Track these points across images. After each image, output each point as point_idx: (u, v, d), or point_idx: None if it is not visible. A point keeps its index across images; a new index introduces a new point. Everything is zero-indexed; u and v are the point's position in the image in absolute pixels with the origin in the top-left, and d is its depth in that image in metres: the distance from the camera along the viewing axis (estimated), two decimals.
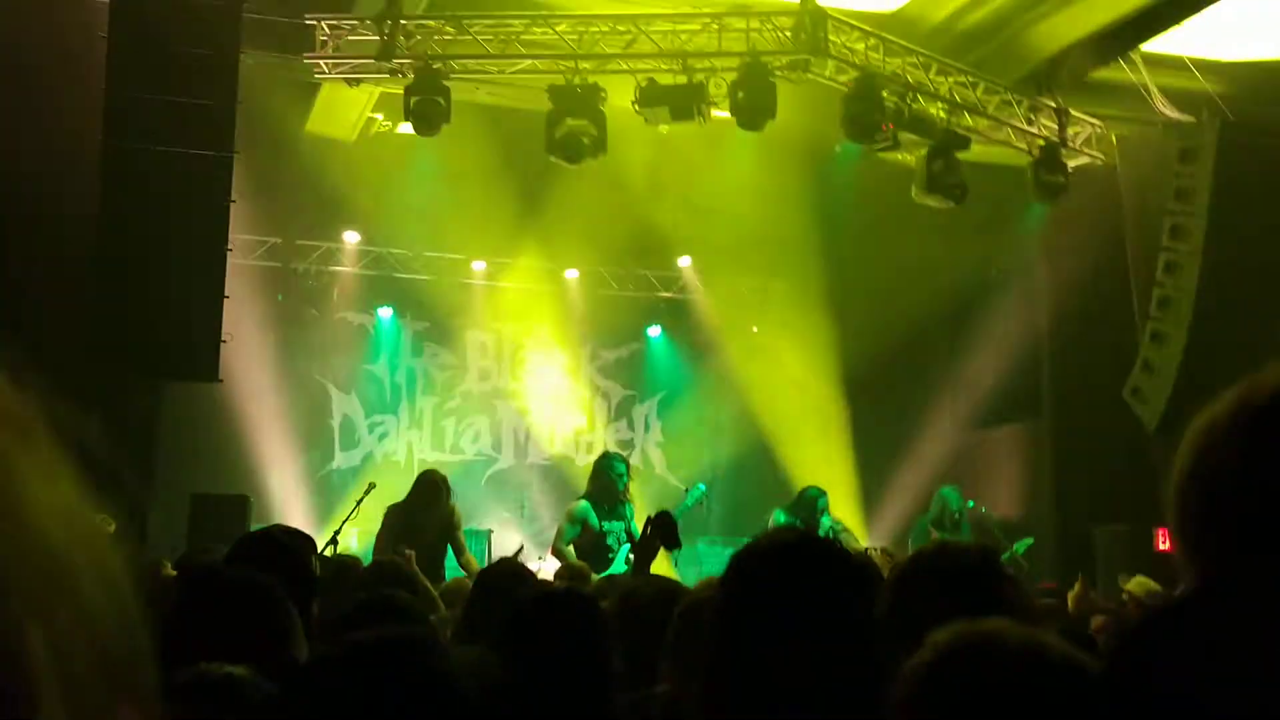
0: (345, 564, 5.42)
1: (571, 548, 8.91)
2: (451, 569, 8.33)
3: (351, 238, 12.74)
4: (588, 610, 2.90)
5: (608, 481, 8.99)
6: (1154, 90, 10.47)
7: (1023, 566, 9.88)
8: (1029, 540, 10.48)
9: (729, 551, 3.62)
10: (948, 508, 10.49)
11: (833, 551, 2.10)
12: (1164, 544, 10.62)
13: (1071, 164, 11.16)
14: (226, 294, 8.94)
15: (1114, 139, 11.51)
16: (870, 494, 13.15)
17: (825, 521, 9.69)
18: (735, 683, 1.96)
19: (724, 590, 2.06)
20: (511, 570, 4.41)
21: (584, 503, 9.04)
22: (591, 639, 2.80)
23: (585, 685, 2.73)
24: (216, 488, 10.32)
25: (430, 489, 8.93)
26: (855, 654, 1.94)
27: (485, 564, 7.56)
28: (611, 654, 2.85)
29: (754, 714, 1.94)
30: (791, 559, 2.03)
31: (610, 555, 8.95)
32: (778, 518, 9.80)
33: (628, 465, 9.31)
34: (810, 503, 9.80)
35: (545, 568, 9.10)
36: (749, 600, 2.01)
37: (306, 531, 4.03)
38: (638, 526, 8.91)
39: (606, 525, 8.90)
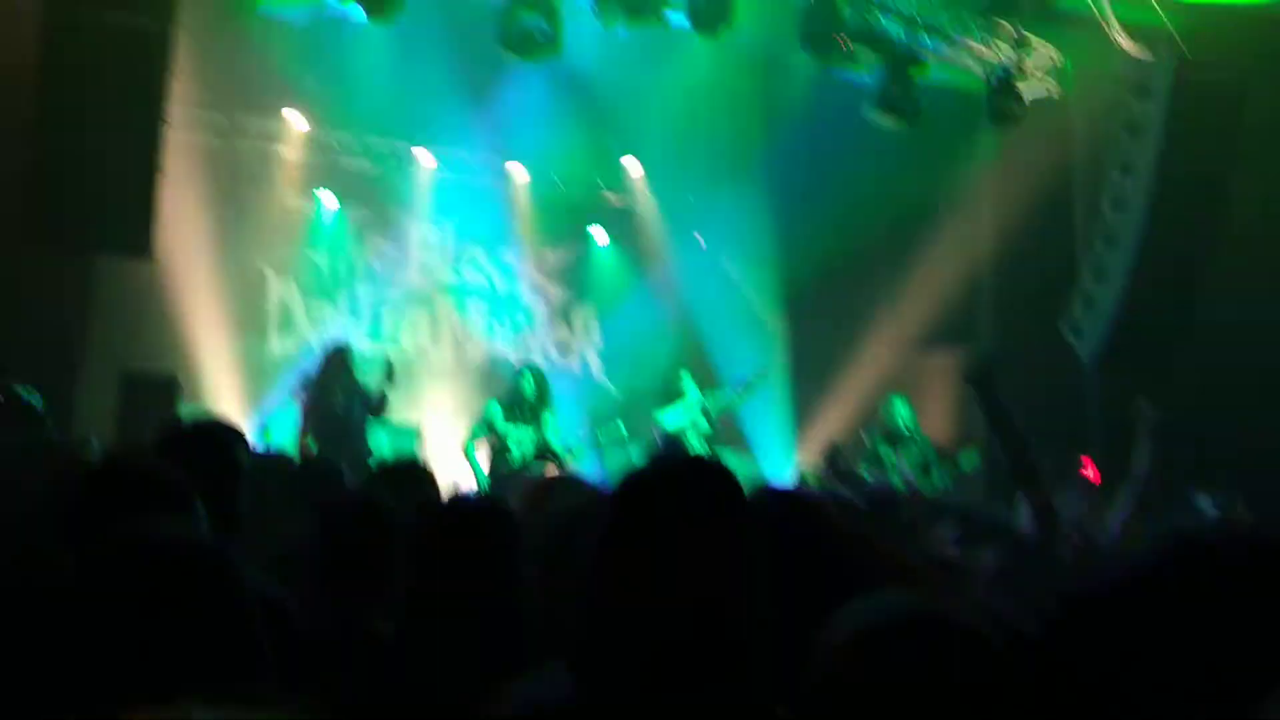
0: (275, 462, 5.34)
1: (473, 446, 9.87)
2: None
3: (296, 120, 12.42)
4: (498, 525, 2.89)
5: (515, 390, 9.97)
6: (1113, 21, 10.42)
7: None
8: (974, 455, 10.26)
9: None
10: (893, 418, 10.16)
11: (717, 475, 1.96)
12: (1089, 472, 10.83)
13: (1028, 95, 11.13)
14: (164, 169, 8.72)
15: (1070, 69, 11.49)
16: (804, 408, 13.26)
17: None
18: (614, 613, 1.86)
19: (610, 518, 1.95)
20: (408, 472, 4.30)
21: (492, 403, 9.79)
22: (501, 555, 2.80)
23: (493, 601, 2.73)
24: (148, 367, 10.17)
25: (333, 362, 9.39)
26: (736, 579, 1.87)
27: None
28: (520, 565, 2.84)
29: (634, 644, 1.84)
30: (677, 487, 1.92)
31: (509, 457, 9.75)
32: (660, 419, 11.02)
33: (538, 378, 9.91)
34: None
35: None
36: (632, 530, 1.90)
37: (238, 416, 3.99)
38: (555, 437, 9.71)
39: (512, 430, 9.74)
